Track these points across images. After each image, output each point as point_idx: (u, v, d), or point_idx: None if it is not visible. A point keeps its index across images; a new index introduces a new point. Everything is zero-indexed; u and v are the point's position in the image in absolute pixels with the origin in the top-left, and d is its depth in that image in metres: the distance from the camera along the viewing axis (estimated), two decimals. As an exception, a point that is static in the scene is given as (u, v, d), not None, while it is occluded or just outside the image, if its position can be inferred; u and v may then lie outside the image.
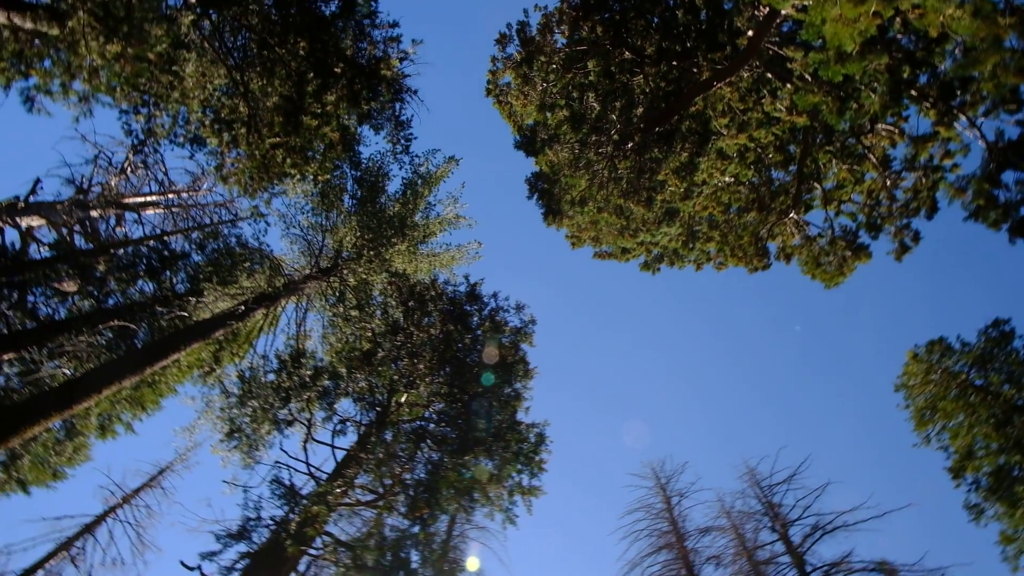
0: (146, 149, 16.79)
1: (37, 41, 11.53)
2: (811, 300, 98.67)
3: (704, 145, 14.80)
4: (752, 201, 16.49)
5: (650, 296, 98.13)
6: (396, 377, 17.78)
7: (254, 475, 16.76)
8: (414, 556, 14.56)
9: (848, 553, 19.80)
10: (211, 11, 12.11)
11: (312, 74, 12.31)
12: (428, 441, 17.95)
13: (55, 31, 10.31)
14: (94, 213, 19.35)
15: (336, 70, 12.53)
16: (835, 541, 21.05)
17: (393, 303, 20.87)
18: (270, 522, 13.76)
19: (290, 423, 16.60)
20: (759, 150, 15.31)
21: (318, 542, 13.96)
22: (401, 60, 13.76)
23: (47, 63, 11.91)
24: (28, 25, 10.45)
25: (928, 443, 21.33)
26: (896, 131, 14.19)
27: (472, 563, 16.99)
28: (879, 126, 14.19)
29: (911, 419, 21.66)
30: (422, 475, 16.53)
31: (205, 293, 19.31)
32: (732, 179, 16.02)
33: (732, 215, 17.16)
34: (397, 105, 14.47)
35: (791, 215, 16.03)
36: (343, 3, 12.55)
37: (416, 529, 14.91)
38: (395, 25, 13.45)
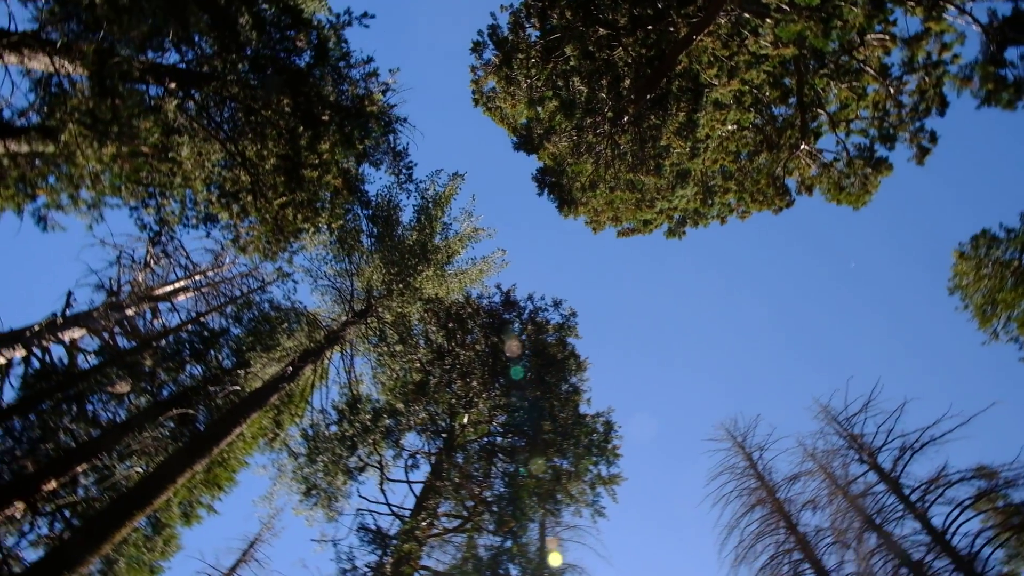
0: (163, 239, 17.13)
1: (37, 161, 11.80)
2: (843, 227, 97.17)
3: (699, 100, 14.65)
4: (760, 143, 16.27)
5: (683, 260, 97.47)
6: (453, 400, 17.86)
7: (340, 527, 16.95)
8: (513, 570, 14.59)
9: (942, 467, 19.45)
10: (192, 91, 12.29)
11: (302, 127, 12.42)
12: (499, 455, 17.99)
13: (51, 148, 10.54)
14: (129, 311, 19.72)
15: (324, 118, 12.63)
16: (926, 458, 20.60)
17: (433, 329, 20.96)
18: (366, 570, 13.89)
19: (362, 469, 16.75)
20: (754, 91, 15.11)
21: (417, 577, 14.05)
22: (384, 92, 13.83)
23: (51, 179, 12.17)
24: (24, 148, 10.70)
25: (996, 338, 20.79)
26: (887, 38, 13.91)
27: (555, 559, 16.91)
28: (868, 37, 13.92)
29: (973, 318, 21.14)
30: (501, 489, 16.56)
31: (252, 363, 19.57)
32: (735, 126, 15.83)
33: (744, 162, 16.95)
34: (390, 137, 14.56)
35: (802, 147, 15.78)
36: (316, 52, 12.67)
37: (509, 543, 14.93)
38: (370, 60, 13.54)
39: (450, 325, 19.66)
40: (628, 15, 13.34)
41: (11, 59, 10.02)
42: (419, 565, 14.29)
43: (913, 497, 19.36)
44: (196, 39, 12.00)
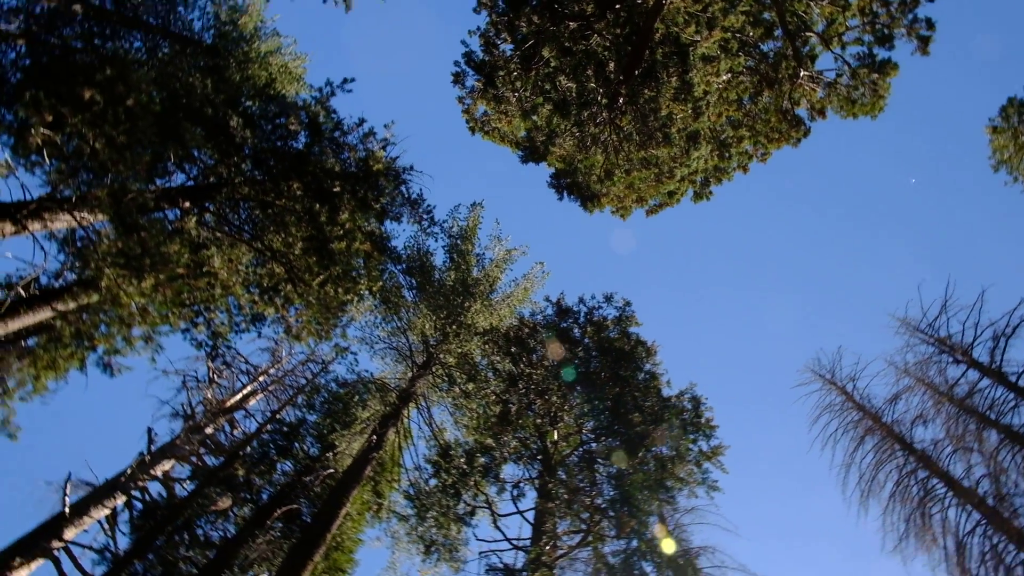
0: (220, 350, 17.46)
1: (85, 315, 12.16)
2: (863, 141, 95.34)
3: (686, 61, 14.53)
4: (759, 83, 16.09)
5: (716, 220, 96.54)
6: (538, 421, 17.83)
7: (468, 575, 16.95)
8: (647, 567, 14.44)
9: (1042, 343, 18.78)
10: (206, 204, 12.60)
11: (317, 205, 12.63)
12: (598, 460, 17.90)
13: (95, 297, 10.85)
14: (209, 430, 20.13)
15: (335, 189, 12.83)
16: (1022, 340, 19.81)
17: (497, 359, 20.99)
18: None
19: (472, 512, 16.76)
20: (738, 35, 14.96)
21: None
22: (384, 148, 14.01)
23: (103, 328, 12.54)
24: (71, 305, 11.04)
25: (1054, 201, 20.11)
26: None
27: (668, 546, 16.60)
28: (833, -55, 13.75)
29: (1025, 187, 20.51)
30: (611, 493, 16.44)
31: (336, 443, 19.81)
32: (729, 75, 15.67)
33: (748, 106, 16.78)
34: (403, 188, 14.72)
35: (801, 74, 15.57)
36: (310, 130, 12.90)
37: (635, 543, 14.79)
38: (363, 122, 13.75)
39: (512, 350, 19.67)
40: (593, 1, 13.35)
41: (35, 226, 10.37)
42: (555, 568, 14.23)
43: (1021, 383, 18.68)
44: (196, 154, 12.31)
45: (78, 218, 10.34)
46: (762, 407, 76.96)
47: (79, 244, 11.98)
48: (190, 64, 15.16)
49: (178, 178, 12.85)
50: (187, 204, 12.49)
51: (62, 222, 10.62)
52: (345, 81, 13.40)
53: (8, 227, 9.60)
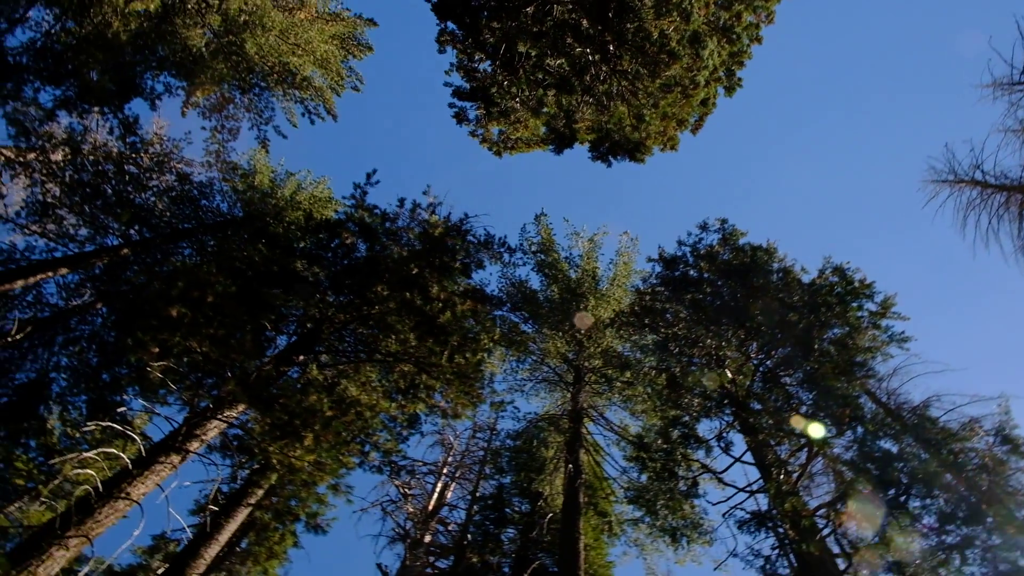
0: (397, 466, 17.99)
1: (274, 497, 12.81)
2: None
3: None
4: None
5: (756, 104, 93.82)
6: (705, 369, 17.53)
7: (720, 542, 16.66)
8: (885, 444, 13.93)
9: None
10: (315, 348, 13.13)
11: (407, 292, 12.93)
12: (780, 374, 17.45)
13: (273, 477, 11.42)
14: (427, 538, 20.73)
15: (414, 272, 13.15)
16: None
17: (637, 336, 20.83)
18: (774, 552, 13.58)
19: (694, 484, 16.47)
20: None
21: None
22: (433, 211, 14.32)
23: (293, 502, 13.19)
24: (259, 494, 11.62)
25: None
26: None
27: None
28: None
29: None
30: (809, 396, 15.96)
31: (540, 487, 20.04)
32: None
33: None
34: (469, 237, 14.95)
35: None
36: (364, 236, 13.31)
37: (859, 429, 14.29)
38: (403, 201, 14.12)
39: (646, 321, 19.45)
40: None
41: (194, 446, 10.99)
42: (809, 511, 13.81)
43: None
44: (284, 311, 12.88)
45: (224, 418, 10.94)
46: (903, 238, 73.46)
47: (235, 442, 12.70)
48: (238, 240, 15.95)
49: (281, 340, 13.50)
50: (301, 357, 13.05)
51: (213, 430, 11.24)
52: (369, 177, 13.79)
53: (175, 458, 10.22)
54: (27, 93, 15.66)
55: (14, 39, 15.04)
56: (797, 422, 14.95)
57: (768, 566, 13.42)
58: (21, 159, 16.67)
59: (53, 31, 15.46)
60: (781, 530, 13.71)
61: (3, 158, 16.55)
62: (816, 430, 14.29)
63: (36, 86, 15.75)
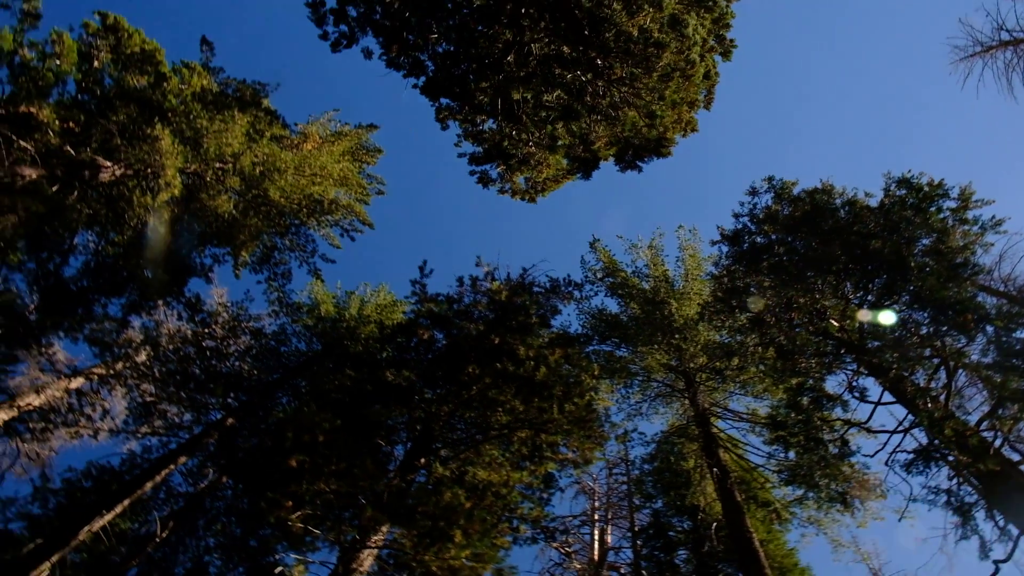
0: (548, 528, 17.91)
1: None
2: None
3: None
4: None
5: (752, 58, 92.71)
6: (809, 328, 17.07)
7: (894, 493, 15.96)
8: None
9: None
10: (431, 446, 13.27)
11: (497, 364, 13.02)
12: (885, 306, 16.84)
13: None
14: (604, 588, 20.46)
15: (496, 342, 13.25)
16: None
17: (728, 322, 20.48)
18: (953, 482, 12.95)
19: (843, 442, 15.86)
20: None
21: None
22: (492, 276, 14.47)
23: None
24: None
25: None
26: None
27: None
28: None
29: None
30: (923, 315, 15.31)
31: (696, 502, 19.66)
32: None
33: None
34: (535, 289, 15.03)
35: None
36: (438, 326, 13.51)
37: (989, 328, 13.64)
38: (462, 280, 14.32)
39: (733, 303, 19.06)
40: (480, 14, 13.51)
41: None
42: (972, 428, 13.13)
43: None
44: (389, 423, 13.10)
45: (373, 544, 11.09)
46: (950, 128, 70.68)
47: (391, 561, 12.82)
48: (325, 373, 16.34)
49: (398, 450, 13.70)
50: (422, 460, 13.21)
51: (368, 559, 11.39)
52: (422, 269, 14.11)
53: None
54: (97, 311, 16.60)
55: (70, 268, 16.01)
56: (920, 345, 14.35)
57: (952, 498, 12.73)
58: (112, 372, 17.60)
59: (100, 248, 16.41)
60: (952, 458, 13.04)
61: (96, 377, 17.51)
62: (940, 347, 13.70)
63: (103, 302, 16.70)
